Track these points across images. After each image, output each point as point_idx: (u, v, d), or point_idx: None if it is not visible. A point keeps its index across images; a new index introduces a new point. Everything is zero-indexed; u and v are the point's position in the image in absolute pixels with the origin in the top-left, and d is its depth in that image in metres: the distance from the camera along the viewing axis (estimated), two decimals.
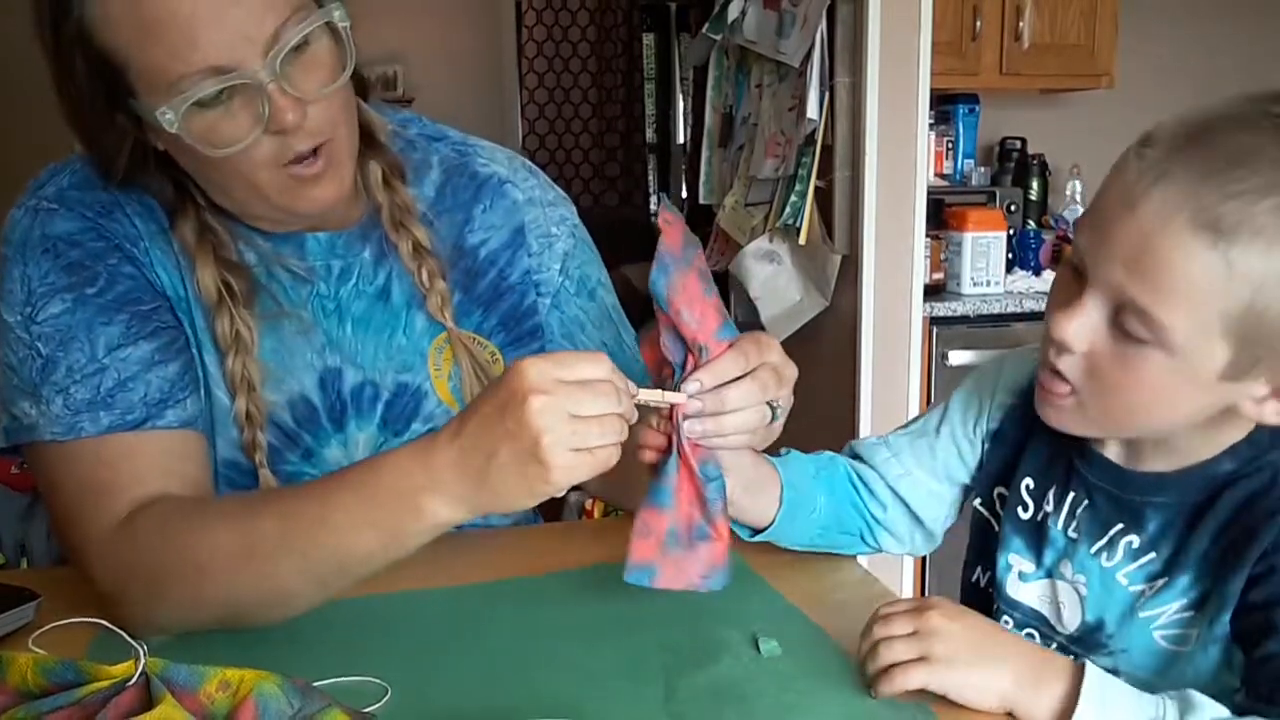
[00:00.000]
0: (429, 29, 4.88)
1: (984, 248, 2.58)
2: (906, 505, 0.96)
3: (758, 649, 0.78)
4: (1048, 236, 2.89)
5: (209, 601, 0.79)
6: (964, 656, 0.70)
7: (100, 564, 0.81)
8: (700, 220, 2.96)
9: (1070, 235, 2.96)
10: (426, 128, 1.05)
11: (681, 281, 0.74)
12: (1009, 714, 0.70)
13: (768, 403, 0.77)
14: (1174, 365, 0.69)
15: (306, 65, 0.81)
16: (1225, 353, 0.68)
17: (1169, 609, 0.76)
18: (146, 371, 0.85)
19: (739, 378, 0.75)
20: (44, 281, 0.85)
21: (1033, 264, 2.78)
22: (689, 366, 0.75)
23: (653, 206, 5.49)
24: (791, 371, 0.79)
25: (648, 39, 5.35)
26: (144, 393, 0.84)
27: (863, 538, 0.97)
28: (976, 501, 0.92)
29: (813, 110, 2.34)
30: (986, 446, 0.92)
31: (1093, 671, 0.69)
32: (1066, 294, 0.73)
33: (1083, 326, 0.71)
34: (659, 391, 0.75)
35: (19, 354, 0.84)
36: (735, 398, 0.74)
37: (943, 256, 2.61)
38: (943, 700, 0.71)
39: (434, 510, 0.72)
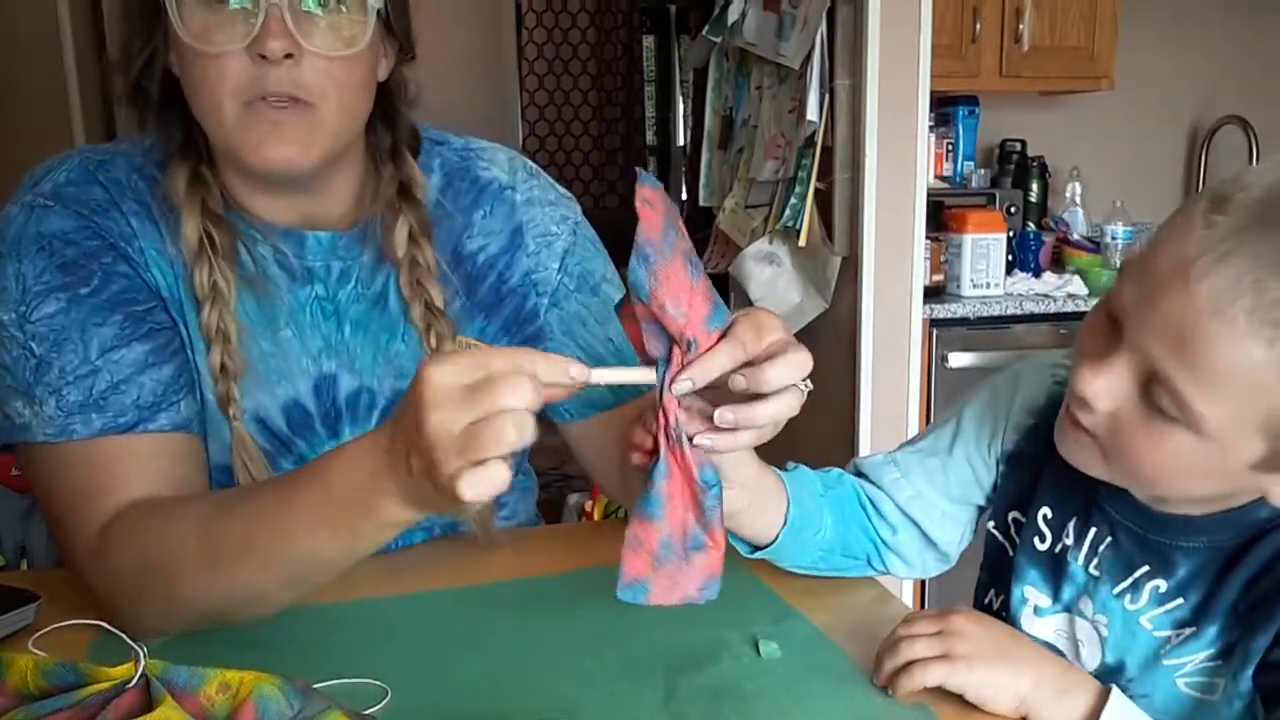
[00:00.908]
0: (429, 31, 4.86)
1: (984, 250, 2.58)
2: (919, 528, 0.91)
3: (757, 651, 0.78)
4: (1048, 238, 2.89)
5: (184, 604, 0.78)
6: (986, 656, 0.70)
7: (90, 567, 0.82)
8: (700, 222, 2.96)
9: (1070, 237, 2.96)
10: (429, 132, 1.05)
11: (665, 271, 0.67)
12: (1023, 719, 0.69)
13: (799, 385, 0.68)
14: (1203, 448, 0.65)
15: (322, 23, 0.82)
16: (1260, 448, 0.64)
17: (1195, 658, 0.73)
18: (140, 374, 0.85)
19: (774, 355, 0.67)
20: (39, 280, 0.84)
21: (1033, 266, 2.78)
22: (674, 363, 0.68)
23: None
24: (801, 362, 0.69)
25: (648, 41, 5.35)
26: (136, 395, 0.84)
27: (869, 561, 0.93)
28: (990, 524, 0.89)
29: (813, 112, 2.34)
30: (1002, 468, 0.88)
31: (1118, 696, 0.68)
32: (1098, 345, 0.68)
33: (1111, 388, 0.67)
34: (620, 370, 0.67)
35: (13, 353, 0.84)
36: (776, 376, 0.66)
37: (942, 258, 2.61)
38: (947, 704, 0.71)
39: (385, 508, 0.69)
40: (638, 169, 0.72)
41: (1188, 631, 0.73)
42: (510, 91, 5.27)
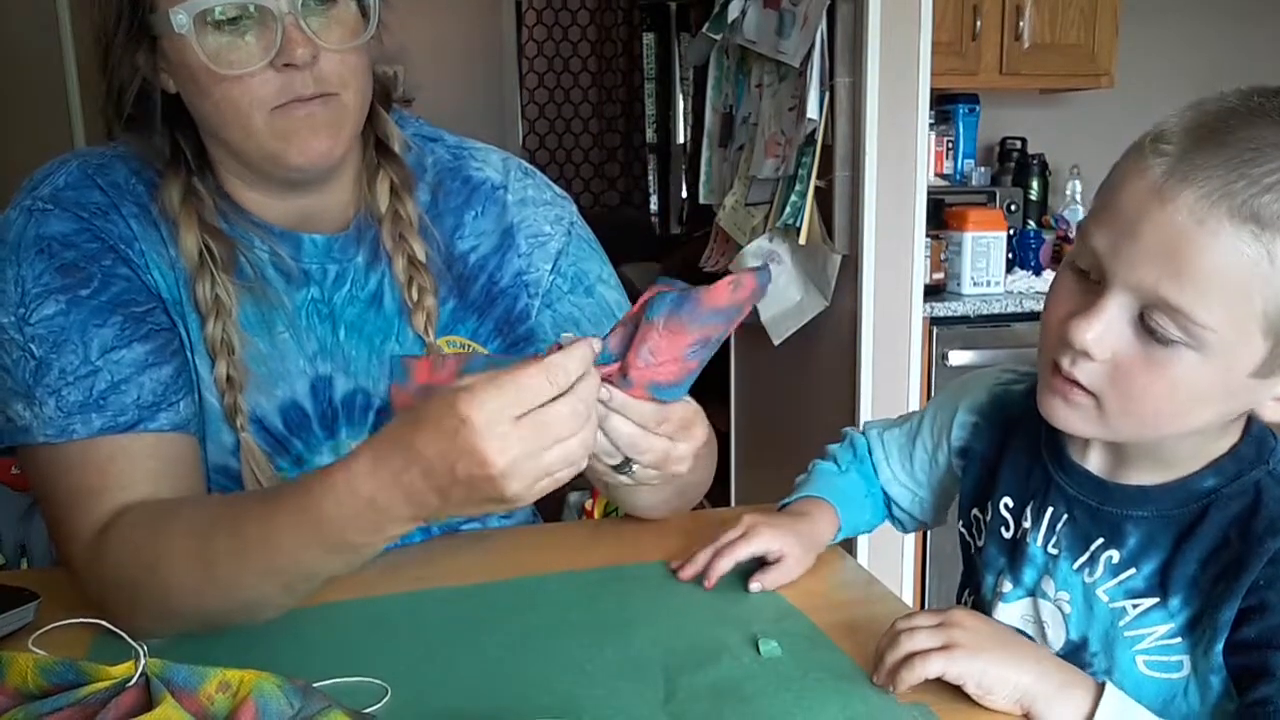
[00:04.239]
0: (429, 29, 4.88)
1: (984, 248, 2.58)
2: (896, 504, 1.02)
3: (757, 650, 0.78)
4: (1048, 236, 2.89)
5: (179, 613, 0.79)
6: (988, 647, 0.70)
7: (85, 570, 0.82)
8: (700, 220, 2.96)
9: (1071, 235, 2.96)
10: (423, 129, 1.04)
11: (675, 329, 0.68)
12: (1024, 716, 0.69)
13: (626, 459, 0.75)
14: (1206, 364, 0.66)
15: (328, 19, 0.84)
16: (1262, 349, 0.66)
17: (1155, 632, 0.75)
18: (139, 374, 0.85)
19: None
20: (38, 282, 0.85)
21: (1033, 264, 2.78)
22: (610, 370, 0.70)
23: (654, 205, 5.51)
24: (680, 468, 0.77)
25: (648, 38, 5.36)
26: (136, 395, 0.84)
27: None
28: (959, 525, 0.92)
29: (813, 110, 2.34)
30: (958, 463, 0.93)
31: (1113, 690, 0.68)
32: (1076, 300, 0.70)
33: (1106, 332, 0.68)
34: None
35: (13, 355, 0.84)
36: (619, 430, 0.73)
37: (943, 256, 2.60)
38: (947, 703, 0.70)
39: (391, 528, 0.72)
40: (767, 265, 0.76)
41: (1146, 603, 0.75)
42: (510, 89, 5.27)
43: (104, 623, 0.75)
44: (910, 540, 2.45)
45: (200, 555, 0.77)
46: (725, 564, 0.89)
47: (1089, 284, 0.70)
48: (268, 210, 0.93)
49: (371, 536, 0.73)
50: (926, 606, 1.98)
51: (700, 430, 0.77)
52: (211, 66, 0.81)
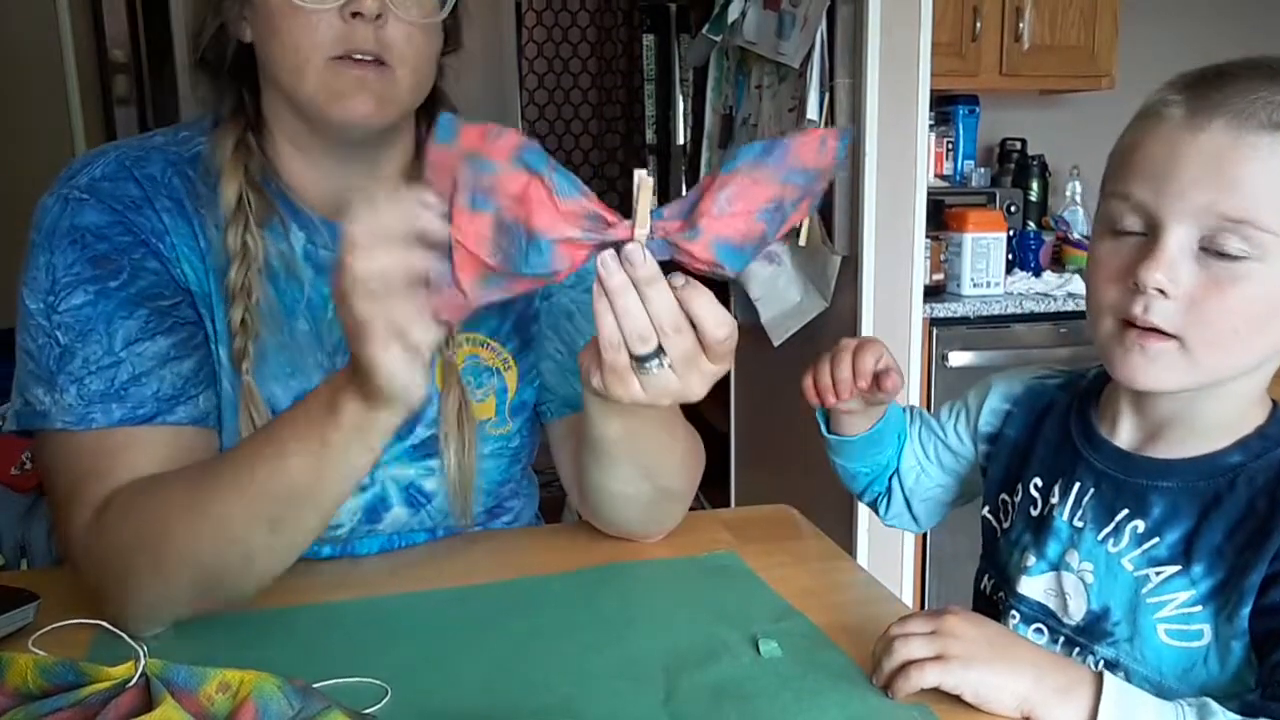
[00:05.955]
0: None
1: (984, 249, 2.58)
2: (903, 490, 1.04)
3: (757, 650, 0.78)
4: (1048, 237, 2.89)
5: (176, 571, 0.78)
6: (982, 656, 0.70)
7: (81, 552, 0.82)
8: None
9: (1070, 236, 2.96)
10: None
11: (764, 176, 0.63)
12: (1025, 718, 0.69)
13: (659, 348, 0.67)
14: (1272, 270, 0.70)
15: None
16: None
17: (1176, 599, 0.76)
18: (161, 367, 0.86)
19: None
20: (69, 271, 0.86)
21: (1033, 265, 2.78)
22: (672, 227, 0.63)
23: None
24: (698, 391, 0.70)
25: (648, 40, 5.36)
26: (156, 388, 0.85)
27: (877, 492, 1.06)
28: (985, 510, 0.94)
29: (813, 111, 2.34)
30: (983, 448, 0.95)
31: (1111, 680, 0.69)
32: (1126, 256, 0.73)
33: (1173, 268, 0.71)
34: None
35: (38, 341, 0.85)
36: (660, 299, 0.66)
37: (943, 257, 2.60)
38: (947, 703, 0.70)
39: (345, 406, 0.71)
40: (849, 131, 0.72)
41: (1168, 570, 0.77)
42: (510, 90, 5.26)
43: (104, 623, 0.75)
44: (910, 540, 2.45)
45: (193, 486, 0.79)
46: (869, 362, 0.92)
47: (1134, 239, 0.74)
48: (312, 188, 0.94)
49: (332, 419, 0.72)
50: (926, 607, 1.98)
51: (731, 341, 0.70)
52: None
